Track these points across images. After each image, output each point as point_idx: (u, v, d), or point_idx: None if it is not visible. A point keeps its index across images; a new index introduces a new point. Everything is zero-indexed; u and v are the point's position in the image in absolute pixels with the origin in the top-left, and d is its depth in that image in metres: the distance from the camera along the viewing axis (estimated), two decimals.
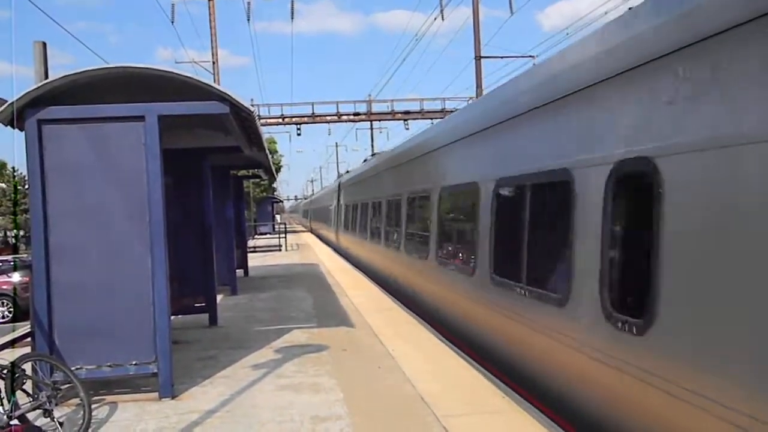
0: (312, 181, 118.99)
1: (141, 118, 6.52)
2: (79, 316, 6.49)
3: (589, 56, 5.35)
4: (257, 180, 38.83)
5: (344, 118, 47.08)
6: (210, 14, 33.19)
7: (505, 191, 7.36)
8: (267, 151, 11.60)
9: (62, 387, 5.80)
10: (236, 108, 6.91)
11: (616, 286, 4.76)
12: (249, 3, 37.22)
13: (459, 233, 10.01)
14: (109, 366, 6.53)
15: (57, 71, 6.99)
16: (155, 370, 6.57)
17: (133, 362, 6.56)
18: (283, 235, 33.17)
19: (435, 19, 31.06)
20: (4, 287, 19.44)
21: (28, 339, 6.84)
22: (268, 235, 45.55)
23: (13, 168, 61.47)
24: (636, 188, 4.65)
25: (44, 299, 6.42)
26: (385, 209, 15.77)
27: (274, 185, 75.72)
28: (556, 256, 5.86)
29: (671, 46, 4.18)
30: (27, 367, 5.65)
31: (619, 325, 4.57)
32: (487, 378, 6.82)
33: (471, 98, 34.87)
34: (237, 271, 16.00)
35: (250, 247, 25.02)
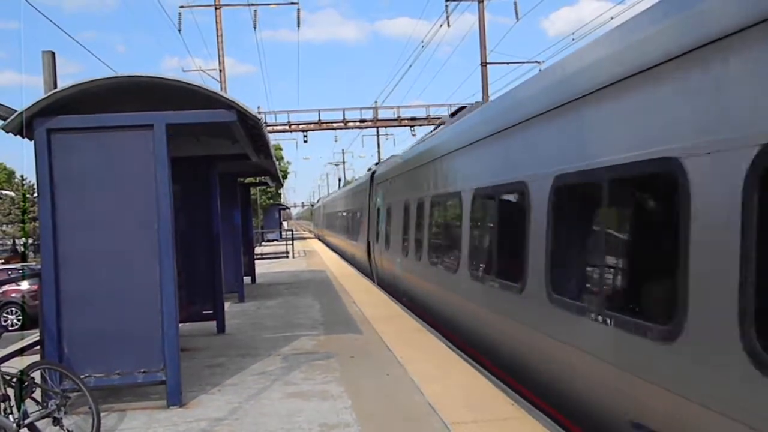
0: (337, 165, 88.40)
1: (149, 126, 6.55)
2: (88, 325, 6.51)
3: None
4: (264, 187, 38.95)
5: (350, 124, 47.21)
6: (216, 23, 33.36)
7: None
8: (274, 159, 11.62)
9: (71, 395, 5.82)
10: (243, 116, 6.93)
11: None
12: (255, 11, 37.39)
13: None
14: (118, 374, 6.54)
15: (66, 80, 7.06)
16: (163, 378, 6.57)
17: (142, 370, 6.57)
18: (291, 242, 33.21)
19: (441, 25, 31.11)
20: (13, 295, 19.54)
21: (37, 347, 6.86)
22: (275, 242, 45.60)
23: (22, 176, 61.87)
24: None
25: (53, 307, 6.44)
26: None
27: (281, 191, 74.77)
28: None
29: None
30: (36, 375, 5.66)
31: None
32: (496, 385, 6.80)
33: (478, 104, 34.77)
34: (244, 278, 16.03)
35: (257, 254, 25.06)
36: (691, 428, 3.99)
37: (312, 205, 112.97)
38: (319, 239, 53.17)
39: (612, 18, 23.57)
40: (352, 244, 26.06)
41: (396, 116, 47.50)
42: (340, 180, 63.47)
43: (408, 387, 6.89)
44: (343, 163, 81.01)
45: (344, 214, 30.79)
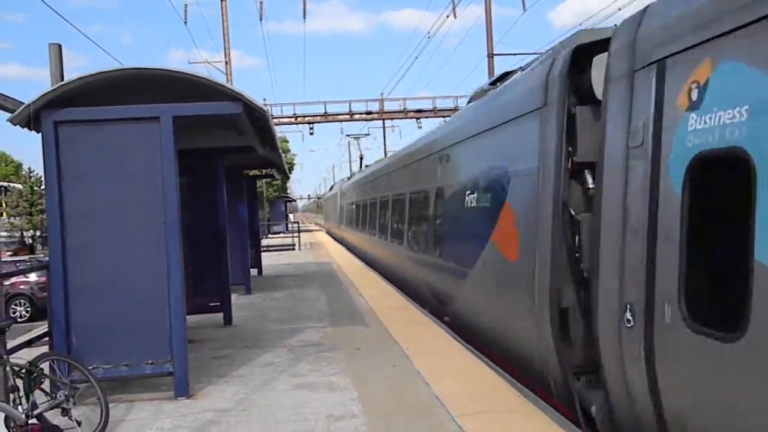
0: (358, 138, 50.32)
1: (156, 119, 6.55)
2: (96, 316, 6.54)
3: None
4: (270, 180, 38.82)
5: (357, 116, 47.05)
6: (222, 15, 33.34)
7: None
8: (280, 151, 11.63)
9: (80, 386, 5.85)
10: (249, 108, 6.93)
11: None
12: (261, 3, 37.39)
13: None
14: (126, 365, 6.58)
15: (72, 73, 7.05)
16: (171, 370, 6.60)
17: (149, 362, 6.60)
18: (297, 235, 33.26)
19: (447, 16, 30.95)
20: (22, 287, 19.66)
21: (46, 338, 6.90)
22: (281, 234, 45.66)
23: (30, 168, 62.11)
24: None
25: (61, 299, 6.47)
26: None
27: (287, 184, 73.84)
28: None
29: None
30: (45, 366, 5.70)
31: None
32: (502, 377, 6.80)
33: None
34: (251, 270, 16.07)
35: (263, 246, 25.11)
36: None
37: (319, 198, 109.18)
38: (335, 238, 39.87)
39: (619, 9, 23.35)
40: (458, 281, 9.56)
41: (402, 108, 47.35)
42: (362, 159, 45.41)
43: (414, 378, 6.90)
44: (349, 145, 73.86)
45: (408, 200, 14.28)
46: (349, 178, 37.00)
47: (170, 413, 6.15)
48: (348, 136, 50.18)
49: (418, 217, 13.31)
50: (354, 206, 28.26)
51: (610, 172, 5.34)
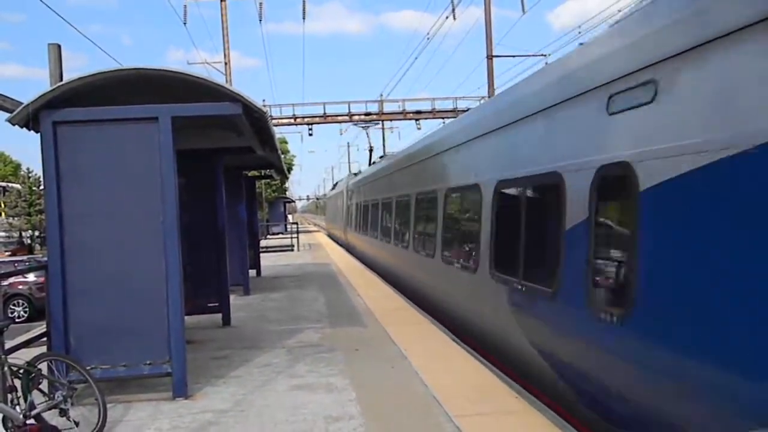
0: (366, 127, 36.97)
1: (154, 119, 6.55)
2: (94, 316, 6.53)
3: None
4: (269, 180, 38.78)
5: (356, 118, 47.06)
6: (222, 15, 33.36)
7: None
8: (279, 152, 11.63)
9: (78, 387, 5.85)
10: (248, 108, 6.93)
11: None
12: (261, 4, 37.46)
13: None
14: (124, 366, 6.57)
15: (72, 73, 7.05)
16: (169, 370, 6.60)
17: (148, 362, 6.60)
18: (296, 235, 33.23)
19: (447, 18, 30.97)
20: (20, 287, 19.66)
21: (44, 339, 6.89)
22: (280, 235, 45.61)
23: (28, 169, 62.10)
24: None
25: (60, 299, 6.47)
26: None
27: (286, 185, 73.85)
28: None
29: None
30: (43, 366, 5.70)
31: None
32: (500, 378, 6.81)
33: (483, 98, 34.58)
34: (249, 271, 16.05)
35: (262, 247, 25.08)
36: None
37: (318, 198, 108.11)
38: (339, 244, 34.98)
39: (619, 11, 23.36)
40: None
41: (401, 109, 47.41)
42: (371, 151, 39.47)
43: (412, 379, 6.90)
44: (348, 147, 72.89)
45: (460, 199, 10.26)
46: (356, 175, 32.02)
47: (168, 414, 6.14)
48: (355, 125, 46.79)
49: (465, 225, 9.45)
50: (368, 207, 22.23)
51: None
